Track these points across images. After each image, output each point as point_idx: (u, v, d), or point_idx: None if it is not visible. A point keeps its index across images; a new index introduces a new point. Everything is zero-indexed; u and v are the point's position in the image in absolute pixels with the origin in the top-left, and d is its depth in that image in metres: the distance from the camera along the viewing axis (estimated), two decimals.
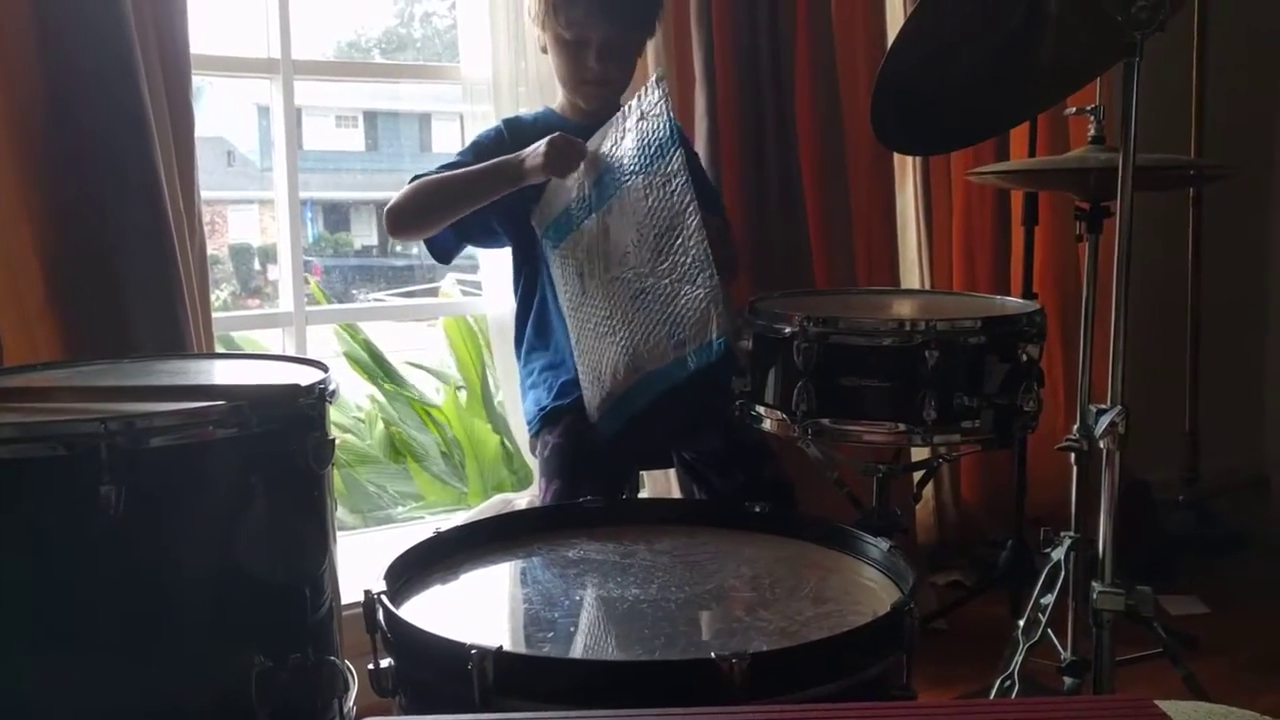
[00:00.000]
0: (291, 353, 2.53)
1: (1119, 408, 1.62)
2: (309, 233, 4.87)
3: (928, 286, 3.09)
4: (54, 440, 1.22)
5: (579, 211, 1.91)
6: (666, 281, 1.70)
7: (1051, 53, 1.74)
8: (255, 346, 3.17)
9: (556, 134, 1.91)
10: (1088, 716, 0.87)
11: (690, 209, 1.66)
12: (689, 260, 1.67)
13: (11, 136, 1.97)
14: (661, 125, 1.73)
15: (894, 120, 1.85)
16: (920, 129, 1.93)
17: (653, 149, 1.74)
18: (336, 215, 5.39)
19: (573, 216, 1.92)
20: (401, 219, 2.06)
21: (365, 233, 5.41)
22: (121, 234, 2.02)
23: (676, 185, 1.68)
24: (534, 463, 2.45)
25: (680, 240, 1.68)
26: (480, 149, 2.15)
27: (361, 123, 5.44)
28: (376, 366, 3.75)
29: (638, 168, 1.76)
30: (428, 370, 3.88)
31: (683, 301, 1.67)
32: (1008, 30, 1.73)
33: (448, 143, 5.24)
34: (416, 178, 2.10)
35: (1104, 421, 1.61)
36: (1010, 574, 2.94)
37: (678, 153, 1.70)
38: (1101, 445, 1.65)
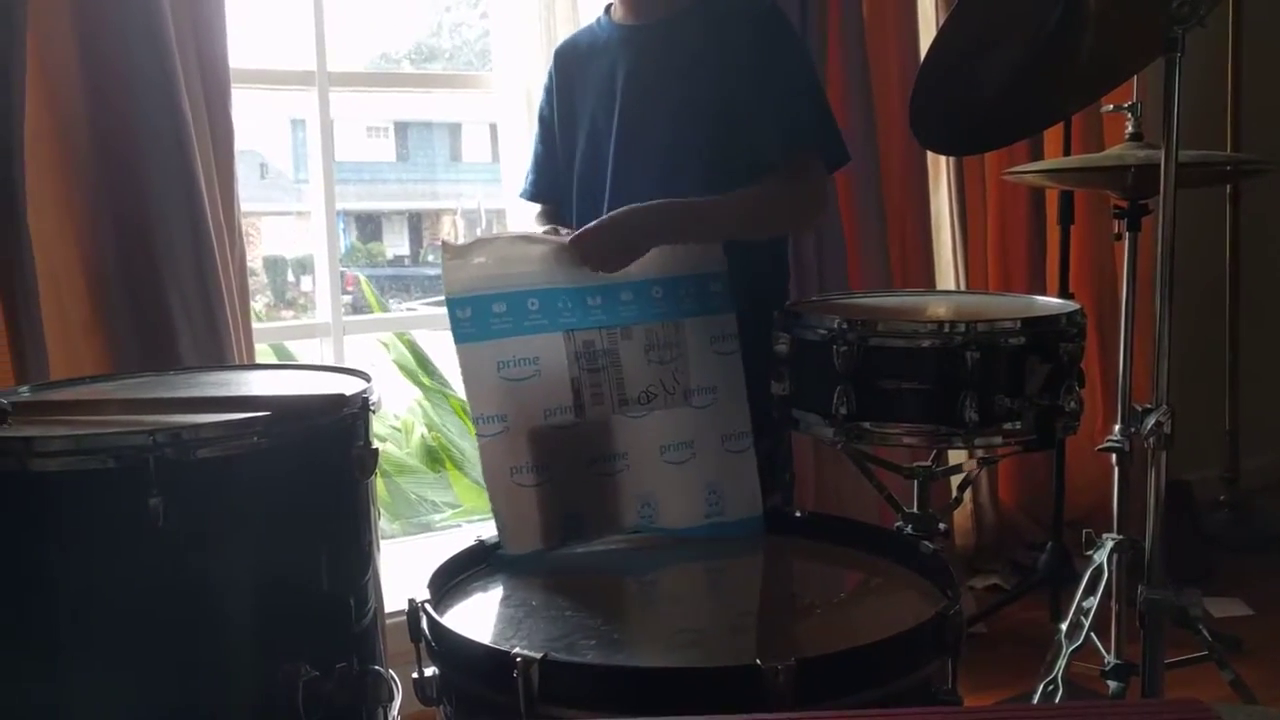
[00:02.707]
0: (330, 362, 2.55)
1: (1164, 407, 1.60)
2: (341, 243, 4.92)
3: (963, 287, 3.08)
4: (104, 453, 1.24)
5: (572, 310, 1.59)
6: (710, 441, 1.61)
7: (1090, 50, 1.73)
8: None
9: (568, 235, 1.63)
10: None
11: (739, 373, 1.63)
12: (734, 423, 1.62)
13: (56, 154, 2.01)
14: (719, 276, 1.64)
15: (933, 120, 1.83)
16: (959, 128, 1.91)
17: (707, 297, 1.63)
18: (369, 225, 5.43)
19: (558, 309, 1.58)
20: None
21: (397, 242, 5.45)
22: (164, 246, 2.05)
23: (730, 348, 1.63)
24: None
25: (723, 401, 1.62)
26: (540, 115, 2.03)
27: (392, 133, 5.48)
28: (419, 367, 3.78)
29: (683, 309, 1.62)
30: None
31: (725, 464, 1.62)
32: (1046, 28, 1.71)
33: (478, 152, 5.26)
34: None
35: (1149, 421, 1.60)
36: (1049, 577, 2.91)
37: (732, 315, 1.64)
38: (1148, 445, 1.63)
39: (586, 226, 1.60)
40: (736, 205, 1.73)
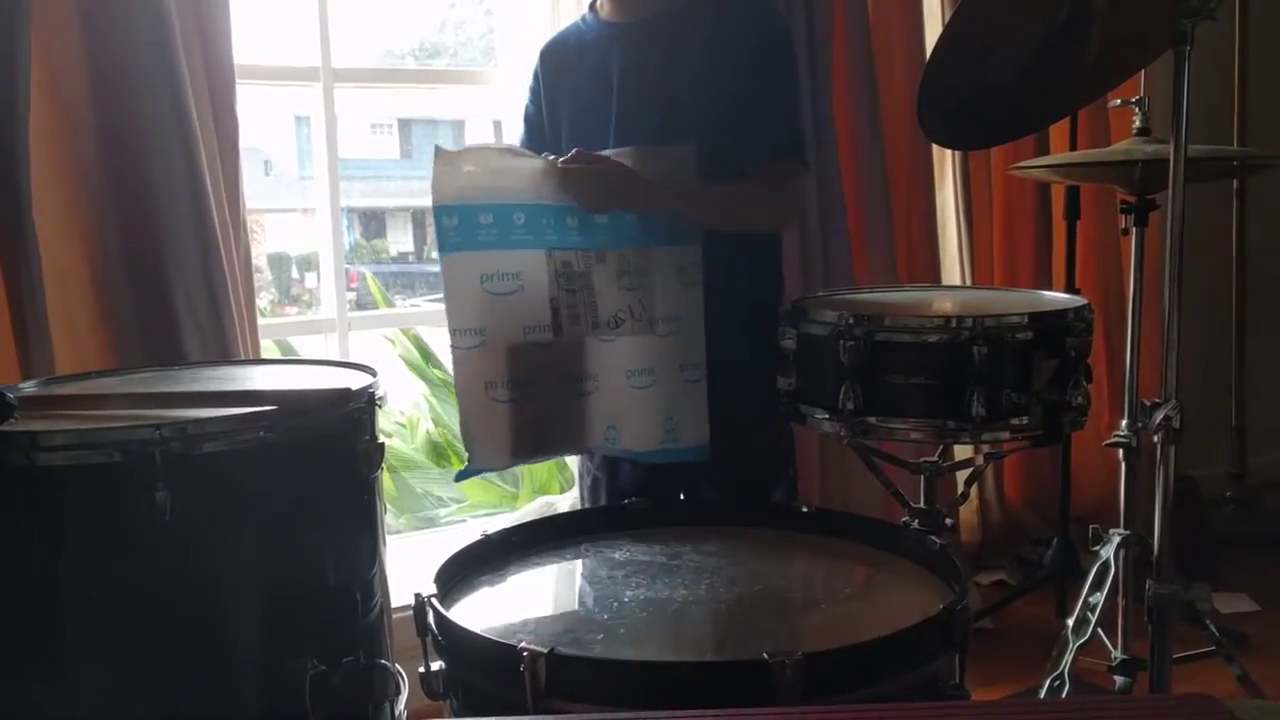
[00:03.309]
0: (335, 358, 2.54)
1: (1173, 401, 1.59)
2: (346, 240, 4.92)
3: (968, 282, 3.07)
4: (110, 447, 1.24)
5: (553, 228, 1.62)
6: (670, 369, 1.68)
7: (1098, 44, 1.72)
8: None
9: (550, 157, 1.64)
10: (1152, 715, 0.86)
11: (700, 305, 1.68)
12: (691, 353, 1.67)
13: (61, 152, 2.01)
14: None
15: (939, 115, 1.82)
16: (965, 123, 1.90)
17: (677, 226, 1.69)
18: (373, 222, 5.43)
19: (542, 226, 1.62)
20: None
21: (401, 239, 5.45)
22: (169, 243, 2.05)
23: (695, 278, 1.68)
24: (574, 462, 2.46)
25: (685, 331, 1.67)
26: (525, 114, 2.02)
27: (396, 130, 5.47)
28: (424, 362, 3.78)
29: (655, 238, 1.68)
30: None
31: (682, 392, 1.67)
32: (1054, 23, 1.71)
33: None
34: None
35: (1158, 415, 1.59)
36: (1056, 572, 2.91)
37: (698, 246, 1.69)
38: (1155, 440, 1.62)
39: (582, 163, 1.60)
40: (721, 200, 1.76)
